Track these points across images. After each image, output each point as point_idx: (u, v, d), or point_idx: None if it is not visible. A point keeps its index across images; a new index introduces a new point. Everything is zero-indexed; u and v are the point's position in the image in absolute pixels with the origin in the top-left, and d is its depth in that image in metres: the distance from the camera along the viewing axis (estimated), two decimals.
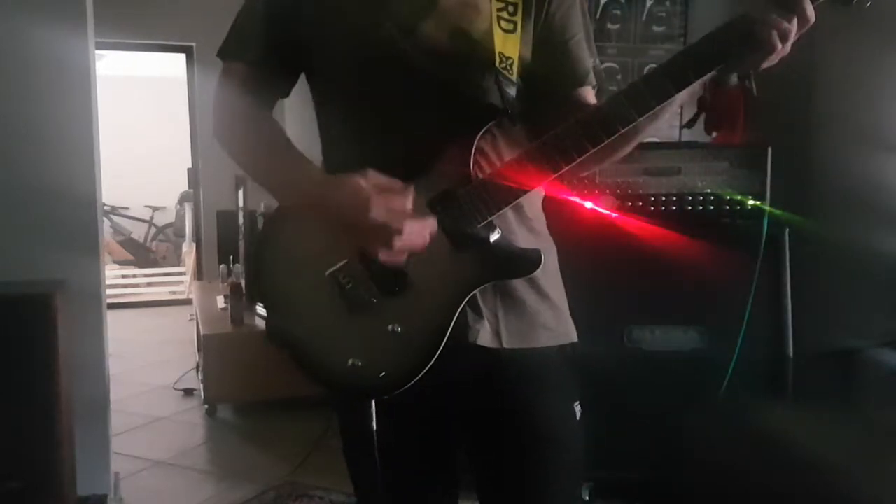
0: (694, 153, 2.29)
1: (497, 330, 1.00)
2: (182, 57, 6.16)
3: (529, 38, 1.00)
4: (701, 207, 2.26)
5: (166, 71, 7.10)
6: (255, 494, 2.58)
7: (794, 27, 0.82)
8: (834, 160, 2.54)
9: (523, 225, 1.02)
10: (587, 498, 2.32)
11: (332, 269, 0.96)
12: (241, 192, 4.28)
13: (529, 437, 1.02)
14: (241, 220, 4.35)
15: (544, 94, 1.02)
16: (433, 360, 0.93)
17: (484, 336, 0.99)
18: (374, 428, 0.98)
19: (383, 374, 0.95)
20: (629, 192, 2.27)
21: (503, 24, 0.96)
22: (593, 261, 2.25)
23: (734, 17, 0.84)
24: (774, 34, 0.81)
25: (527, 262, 0.96)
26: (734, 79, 2.58)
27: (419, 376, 0.94)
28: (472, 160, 0.93)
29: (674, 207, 2.26)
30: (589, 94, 1.06)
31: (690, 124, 2.53)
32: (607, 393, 2.26)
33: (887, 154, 2.42)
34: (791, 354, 2.25)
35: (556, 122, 0.94)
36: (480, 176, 0.94)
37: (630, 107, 0.87)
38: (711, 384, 2.19)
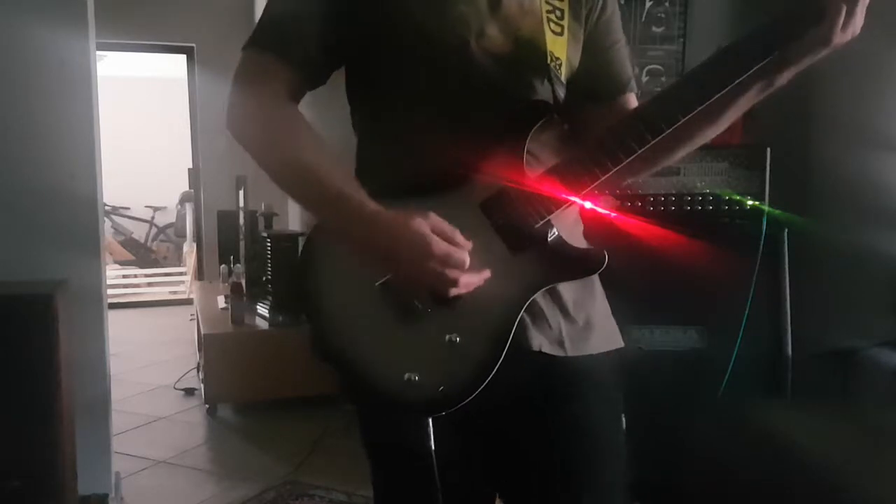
0: (693, 153, 2.28)
1: (559, 337, 0.97)
2: (183, 58, 6.17)
3: (577, 43, 1.02)
4: (700, 207, 2.26)
5: (167, 71, 7.11)
6: (255, 494, 2.58)
7: None
8: (833, 160, 2.55)
9: (566, 231, 0.98)
10: None
11: (382, 281, 0.90)
12: (241, 193, 4.29)
13: (590, 443, 0.99)
14: (241, 220, 4.36)
15: (589, 99, 1.03)
16: (495, 370, 0.88)
17: (546, 343, 0.96)
18: (433, 448, 0.92)
19: (442, 387, 0.89)
20: (628, 192, 2.27)
21: (552, 26, 0.98)
22: None
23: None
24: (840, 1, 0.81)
25: (590, 262, 0.94)
26: None
27: (480, 388, 0.88)
28: (524, 157, 0.92)
29: (673, 207, 2.27)
30: (632, 101, 1.07)
31: None
32: None
33: (887, 154, 2.42)
34: (790, 354, 2.25)
35: (600, 126, 0.96)
36: (534, 173, 0.92)
37: (692, 95, 0.86)
38: (711, 384, 2.19)
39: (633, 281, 2.25)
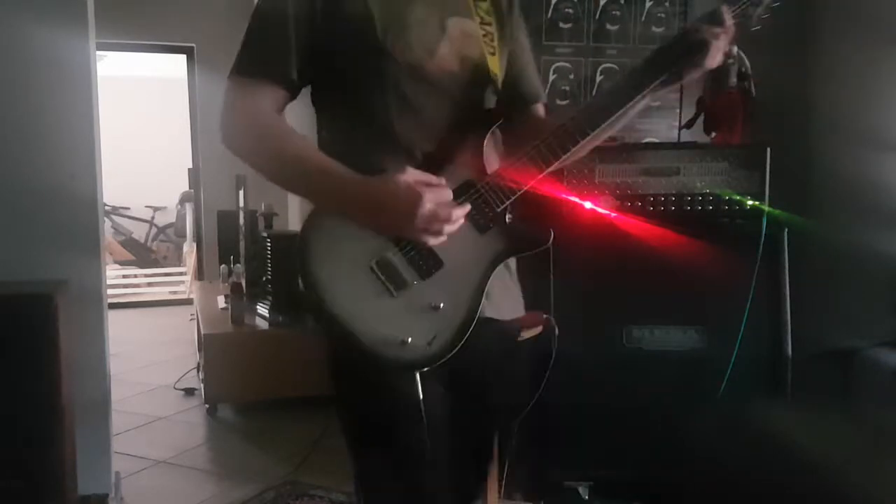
0: (693, 153, 2.29)
1: (496, 306, 1.19)
2: (183, 57, 6.17)
3: (504, 61, 1.25)
4: (700, 208, 2.26)
5: (167, 71, 7.11)
6: (255, 494, 2.59)
7: (721, 32, 1.09)
8: (833, 160, 2.55)
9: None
10: (586, 497, 2.32)
11: (373, 261, 1.09)
12: (241, 192, 4.29)
13: (506, 379, 1.31)
14: (241, 220, 4.36)
15: (512, 106, 1.27)
16: (471, 330, 1.09)
17: (490, 310, 1.17)
18: (422, 396, 1.10)
19: (429, 345, 1.09)
20: (628, 192, 2.27)
21: (488, 47, 1.20)
22: (592, 261, 2.25)
23: (677, 34, 1.13)
24: (709, 36, 1.09)
25: (540, 238, 1.16)
26: (733, 80, 2.59)
27: (460, 345, 1.09)
28: (483, 156, 1.12)
29: (673, 208, 2.27)
30: (540, 109, 1.33)
31: (689, 125, 2.54)
32: (606, 392, 2.27)
33: (886, 154, 2.43)
34: (790, 354, 2.25)
35: (522, 129, 1.23)
36: (492, 169, 1.12)
37: (610, 105, 1.12)
38: (710, 384, 2.19)
39: (634, 281, 2.26)
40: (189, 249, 7.08)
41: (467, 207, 1.09)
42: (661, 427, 2.18)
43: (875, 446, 1.97)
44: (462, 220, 1.07)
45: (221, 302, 4.09)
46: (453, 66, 1.16)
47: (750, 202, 2.24)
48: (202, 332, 3.65)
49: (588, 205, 2.25)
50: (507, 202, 1.12)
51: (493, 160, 1.15)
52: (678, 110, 2.88)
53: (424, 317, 1.09)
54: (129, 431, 3.27)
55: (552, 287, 2.28)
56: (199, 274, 6.25)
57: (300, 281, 1.10)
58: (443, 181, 1.07)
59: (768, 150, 2.25)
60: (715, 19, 1.10)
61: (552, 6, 2.81)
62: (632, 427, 2.24)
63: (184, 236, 7.49)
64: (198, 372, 3.93)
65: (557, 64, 2.84)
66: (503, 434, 1.46)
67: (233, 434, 3.34)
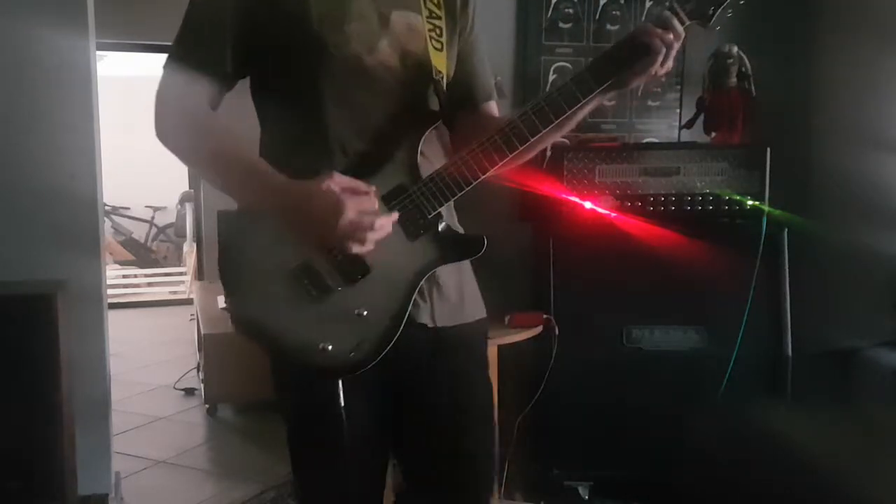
0: (693, 153, 2.29)
1: (432, 312, 1.13)
2: None
3: (453, 57, 1.18)
4: (700, 208, 2.26)
5: None
6: (255, 494, 2.59)
7: (670, 38, 1.02)
8: (833, 160, 2.55)
9: (448, 217, 1.14)
10: (586, 497, 2.32)
11: (297, 264, 1.05)
12: None
13: (462, 400, 1.17)
14: None
15: (460, 105, 1.20)
16: (396, 337, 1.05)
17: (424, 316, 1.12)
18: (343, 405, 1.06)
19: (352, 353, 1.04)
20: (628, 192, 2.27)
21: (434, 43, 1.13)
22: (592, 261, 2.25)
23: (626, 35, 1.05)
24: (657, 41, 1.02)
25: (474, 246, 1.09)
26: (733, 80, 2.59)
27: (384, 352, 1.04)
28: (418, 158, 1.07)
29: (673, 208, 2.27)
30: (494, 107, 1.26)
31: (690, 125, 2.54)
32: (606, 392, 2.27)
33: (886, 154, 2.43)
34: (790, 354, 2.25)
35: (471, 128, 1.16)
36: (426, 171, 1.07)
37: (549, 112, 1.04)
38: (710, 384, 2.20)
39: (633, 281, 2.26)
40: (189, 249, 7.07)
41: (395, 216, 1.03)
42: (661, 427, 2.18)
43: (875, 446, 1.97)
44: (389, 229, 1.01)
45: (221, 302, 4.08)
46: (394, 62, 1.10)
47: (750, 202, 2.24)
48: (202, 332, 3.65)
49: (588, 205, 2.25)
50: (440, 208, 1.06)
51: (435, 162, 1.11)
52: (678, 110, 2.88)
53: (347, 324, 1.04)
54: (129, 431, 3.26)
55: (552, 287, 2.28)
56: (199, 274, 6.24)
57: (220, 279, 1.08)
58: (372, 188, 1.00)
59: (768, 150, 2.25)
60: (663, 24, 1.03)
61: (552, 6, 2.81)
62: (632, 427, 2.24)
63: (184, 236, 7.47)
64: (198, 372, 3.93)
65: (557, 64, 2.83)
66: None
67: (233, 434, 3.34)
